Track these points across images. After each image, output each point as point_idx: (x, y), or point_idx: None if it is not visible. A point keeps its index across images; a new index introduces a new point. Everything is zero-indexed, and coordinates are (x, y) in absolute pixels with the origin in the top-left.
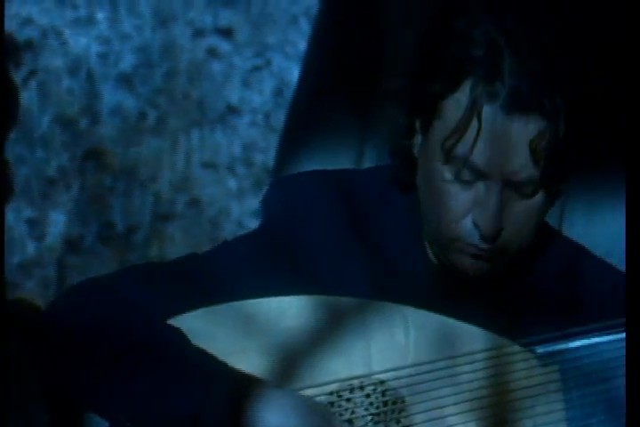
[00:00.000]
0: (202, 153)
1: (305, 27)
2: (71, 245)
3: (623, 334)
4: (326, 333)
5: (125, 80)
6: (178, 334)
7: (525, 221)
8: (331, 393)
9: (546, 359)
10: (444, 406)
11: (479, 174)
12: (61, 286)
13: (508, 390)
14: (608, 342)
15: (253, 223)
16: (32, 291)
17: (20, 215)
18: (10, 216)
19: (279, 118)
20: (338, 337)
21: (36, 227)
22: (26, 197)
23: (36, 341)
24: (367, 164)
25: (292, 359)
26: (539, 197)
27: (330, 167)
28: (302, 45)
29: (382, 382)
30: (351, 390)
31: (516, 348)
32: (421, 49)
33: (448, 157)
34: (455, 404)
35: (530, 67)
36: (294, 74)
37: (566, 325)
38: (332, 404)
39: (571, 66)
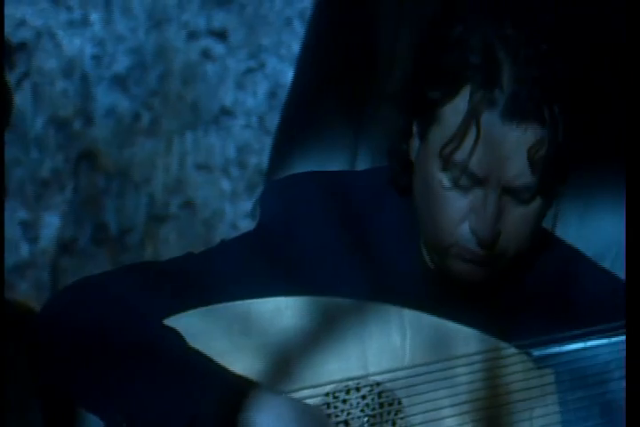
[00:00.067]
0: (196, 155)
1: (299, 29)
2: (65, 246)
3: (618, 338)
4: (323, 333)
5: (119, 82)
6: (174, 334)
7: (522, 227)
8: (327, 394)
9: (541, 362)
10: (440, 408)
11: (477, 181)
12: (55, 287)
13: (503, 393)
14: (603, 345)
15: (247, 225)
16: (26, 293)
17: (14, 217)
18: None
19: (273, 120)
20: (334, 338)
21: (29, 229)
22: (20, 198)
23: (31, 340)
24: (361, 165)
25: (288, 360)
26: (536, 202)
27: (324, 169)
28: (296, 48)
29: (378, 383)
30: (347, 392)
31: (512, 350)
32: (419, 55)
33: (446, 163)
34: (451, 406)
35: (528, 74)
36: (288, 76)
37: (560, 327)
38: (327, 405)
39: (569, 73)
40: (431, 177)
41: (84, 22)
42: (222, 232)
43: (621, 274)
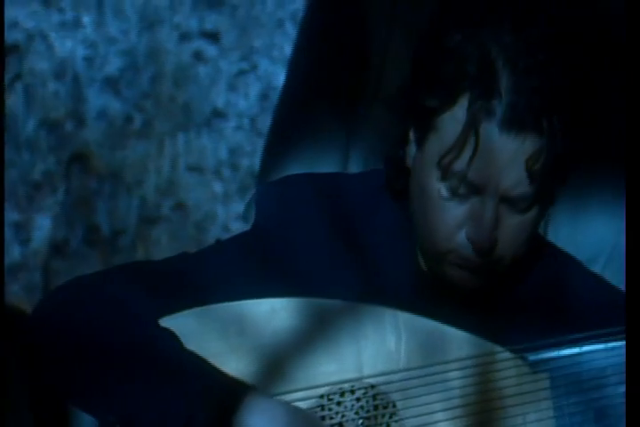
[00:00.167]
0: (188, 157)
1: (291, 31)
2: (57, 248)
3: (614, 343)
4: (317, 335)
5: (111, 84)
6: (169, 335)
7: (519, 235)
8: (321, 396)
9: (536, 367)
10: (435, 412)
11: (475, 190)
12: (47, 289)
13: (498, 397)
14: (599, 350)
15: (239, 227)
16: (17, 294)
17: (6, 219)
18: None
19: (265, 122)
20: (329, 340)
21: (21, 230)
22: (11, 200)
23: (23, 341)
24: (353, 167)
25: (283, 361)
26: (532, 211)
27: (316, 171)
28: (288, 49)
29: (373, 386)
30: (342, 394)
31: (507, 355)
32: (416, 63)
33: (445, 173)
34: (446, 410)
35: (527, 83)
36: (280, 78)
37: (554, 332)
38: (322, 407)
39: (568, 83)
40: (429, 186)
41: (76, 24)
42: (214, 234)
43: (614, 276)
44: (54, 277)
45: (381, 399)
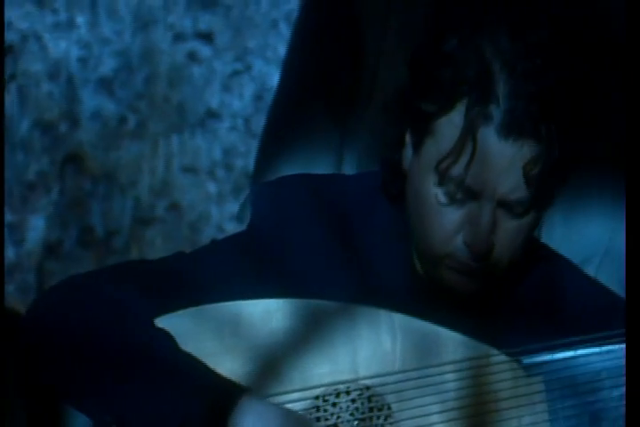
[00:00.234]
0: (182, 157)
1: (285, 31)
2: (51, 249)
3: (609, 347)
4: (313, 336)
5: (105, 84)
6: (164, 336)
7: (516, 239)
8: (316, 397)
9: (531, 370)
10: (430, 414)
11: (472, 195)
12: (41, 290)
13: (492, 400)
14: (594, 353)
15: (233, 227)
16: (12, 295)
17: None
18: None
19: (259, 123)
20: (324, 341)
21: (15, 231)
22: (5, 201)
23: (18, 340)
24: (347, 168)
25: (278, 362)
26: (529, 215)
27: (310, 171)
28: (282, 50)
29: (368, 387)
30: (337, 395)
31: (502, 358)
32: (413, 68)
33: (442, 178)
34: (441, 412)
35: (525, 89)
36: (275, 79)
37: (548, 335)
38: (317, 408)
39: (566, 88)
40: (426, 191)
41: (70, 25)
42: (208, 235)
43: (609, 276)
44: (48, 278)
45: (377, 401)
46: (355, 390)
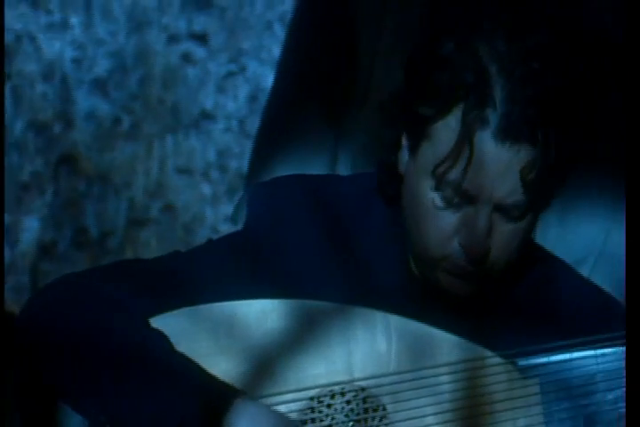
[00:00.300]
0: (176, 159)
1: (280, 32)
2: (45, 250)
3: (603, 350)
4: (308, 337)
5: (100, 85)
6: (159, 336)
7: (512, 243)
8: (311, 398)
9: (527, 372)
10: (425, 416)
11: (469, 199)
12: (35, 291)
13: (488, 402)
14: (589, 356)
15: (228, 228)
16: (6, 296)
17: None
18: None
19: (254, 124)
20: (320, 342)
21: (9, 232)
22: None
23: (12, 339)
24: (341, 169)
25: (273, 363)
26: (526, 219)
27: (305, 172)
28: (277, 51)
29: (363, 388)
30: (332, 396)
31: (498, 360)
32: (409, 71)
33: (439, 183)
34: (435, 414)
35: (522, 93)
36: (269, 80)
37: (543, 336)
38: (312, 409)
39: (563, 92)
40: (422, 194)
41: (64, 26)
42: (203, 236)
43: (603, 276)
44: (43, 279)
45: (372, 402)
46: (350, 391)
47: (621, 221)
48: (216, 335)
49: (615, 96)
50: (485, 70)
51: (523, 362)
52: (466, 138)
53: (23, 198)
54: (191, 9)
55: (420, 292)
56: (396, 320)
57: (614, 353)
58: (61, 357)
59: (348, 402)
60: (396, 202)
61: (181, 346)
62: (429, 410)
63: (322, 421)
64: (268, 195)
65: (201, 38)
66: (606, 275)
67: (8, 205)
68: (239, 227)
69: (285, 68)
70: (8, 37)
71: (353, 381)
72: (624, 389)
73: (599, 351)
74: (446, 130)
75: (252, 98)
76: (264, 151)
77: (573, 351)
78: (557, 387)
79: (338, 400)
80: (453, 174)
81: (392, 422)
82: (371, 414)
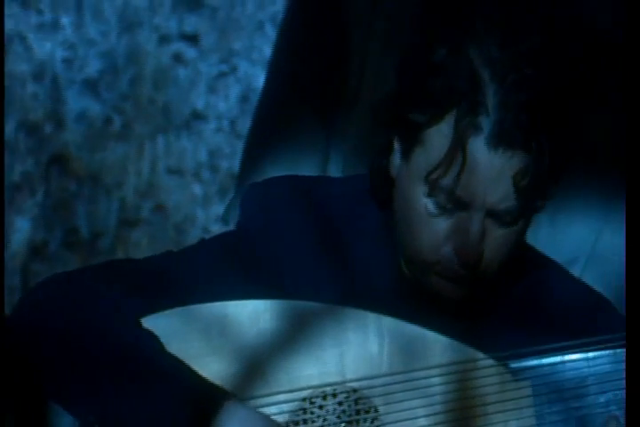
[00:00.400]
0: (167, 159)
1: (271, 33)
2: (36, 250)
3: (596, 353)
4: (300, 338)
5: (90, 86)
6: (149, 336)
7: (504, 247)
8: (303, 399)
9: (519, 374)
10: (416, 418)
11: (462, 205)
12: (26, 291)
13: (479, 404)
14: (581, 359)
15: (219, 229)
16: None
17: None
18: None
19: (245, 124)
20: (312, 343)
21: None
22: None
23: (3, 339)
24: (332, 170)
25: (265, 364)
26: (518, 224)
27: (296, 173)
28: (268, 51)
29: (355, 390)
30: (324, 397)
31: (490, 362)
32: (402, 77)
33: (432, 189)
34: (427, 415)
35: (515, 99)
36: (260, 80)
37: (535, 337)
38: (304, 410)
39: (555, 97)
40: (415, 200)
41: (55, 26)
42: (194, 236)
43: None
44: (33, 280)
45: (363, 404)
46: (342, 392)
47: (613, 222)
48: (208, 336)
49: (615, 96)
50: (478, 76)
51: (515, 364)
52: (459, 144)
53: (14, 199)
54: (182, 9)
55: (411, 293)
56: (388, 322)
57: (606, 356)
58: (52, 356)
59: (340, 403)
60: (387, 205)
61: (173, 346)
62: (421, 412)
63: (313, 422)
64: (261, 195)
65: (192, 39)
66: (597, 275)
67: None
68: (230, 227)
69: (277, 69)
70: None
71: (345, 382)
72: (615, 392)
73: (591, 354)
74: (439, 136)
75: (244, 98)
76: (255, 151)
77: (565, 354)
78: (549, 389)
79: (330, 401)
80: (446, 181)
81: (384, 424)
82: (362, 415)
